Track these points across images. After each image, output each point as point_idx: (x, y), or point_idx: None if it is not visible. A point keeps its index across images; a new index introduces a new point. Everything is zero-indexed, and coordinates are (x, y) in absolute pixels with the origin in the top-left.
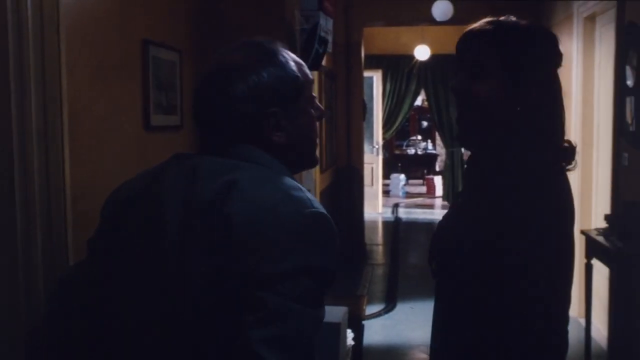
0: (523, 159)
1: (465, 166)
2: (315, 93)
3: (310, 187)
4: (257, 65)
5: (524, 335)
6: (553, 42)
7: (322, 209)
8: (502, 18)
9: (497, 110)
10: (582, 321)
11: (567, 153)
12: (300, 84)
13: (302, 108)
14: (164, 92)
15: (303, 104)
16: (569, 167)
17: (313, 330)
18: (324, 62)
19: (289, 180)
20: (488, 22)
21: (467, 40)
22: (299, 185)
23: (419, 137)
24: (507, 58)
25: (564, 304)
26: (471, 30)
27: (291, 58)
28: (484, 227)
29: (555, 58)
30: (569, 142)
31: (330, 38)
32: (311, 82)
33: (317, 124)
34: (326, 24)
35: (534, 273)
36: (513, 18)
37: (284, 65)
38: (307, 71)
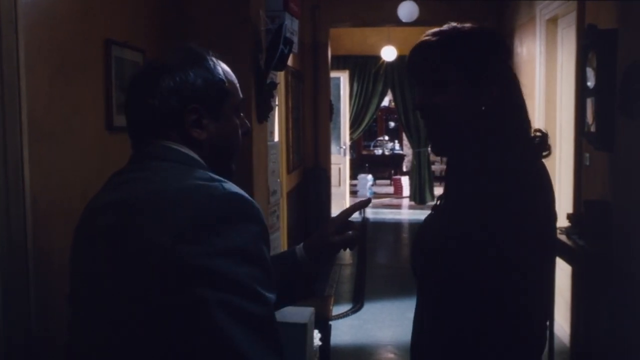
0: (501, 156)
1: (445, 168)
2: (281, 94)
3: (276, 188)
4: (184, 64)
5: (504, 331)
6: (498, 39)
7: (235, 190)
8: (444, 27)
9: (464, 116)
10: None
11: (541, 141)
12: (225, 89)
13: (225, 114)
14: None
15: (227, 110)
16: (545, 153)
17: (262, 312)
18: (290, 63)
19: (202, 173)
20: (433, 34)
21: (418, 56)
22: (212, 176)
23: (386, 138)
24: (460, 64)
25: (545, 302)
26: (419, 46)
27: (220, 65)
28: (467, 226)
29: (504, 53)
30: (539, 130)
31: (295, 38)
32: (239, 95)
33: (243, 139)
34: (292, 25)
35: (515, 269)
36: (454, 24)
37: (210, 69)
38: (236, 83)
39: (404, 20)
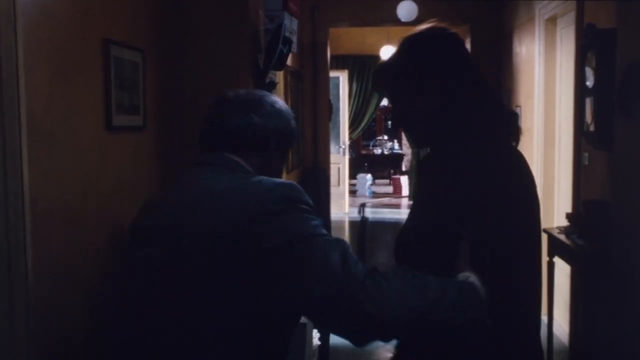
0: (469, 150)
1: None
2: (281, 93)
3: None
4: (282, 110)
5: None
6: (449, 38)
7: (282, 181)
8: (399, 48)
9: (437, 120)
10: (545, 318)
11: (510, 125)
12: (294, 139)
13: (284, 154)
14: (126, 92)
15: (285, 153)
16: (515, 135)
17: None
18: (289, 62)
19: (257, 177)
20: (392, 57)
21: (382, 79)
22: (265, 178)
23: (385, 137)
24: (402, 78)
25: (535, 291)
26: (381, 69)
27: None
28: (440, 214)
29: (458, 49)
30: (511, 111)
31: (294, 38)
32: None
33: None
34: (291, 24)
35: (494, 257)
36: (413, 32)
37: (291, 126)
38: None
39: (403, 20)
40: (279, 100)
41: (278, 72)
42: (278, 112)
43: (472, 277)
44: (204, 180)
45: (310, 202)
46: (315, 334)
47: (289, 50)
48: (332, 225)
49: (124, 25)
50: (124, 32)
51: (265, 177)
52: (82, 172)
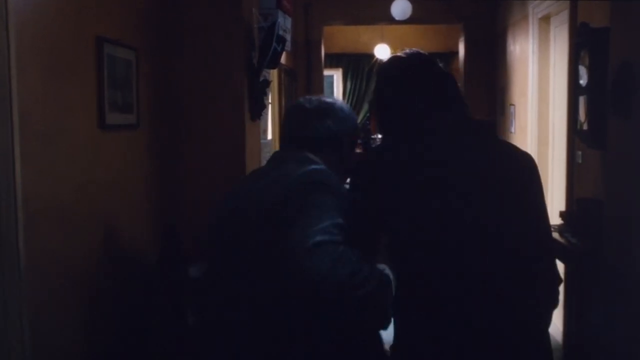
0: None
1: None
2: (275, 92)
3: None
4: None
5: None
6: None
7: (322, 170)
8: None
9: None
10: None
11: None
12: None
13: (353, 148)
14: (120, 90)
15: (354, 146)
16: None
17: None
18: (283, 61)
19: (317, 164)
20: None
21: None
22: (322, 167)
23: (380, 135)
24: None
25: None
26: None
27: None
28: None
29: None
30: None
31: (288, 36)
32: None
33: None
34: (284, 22)
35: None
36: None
37: (357, 125)
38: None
39: (397, 18)
40: (343, 104)
41: (272, 71)
42: (347, 116)
43: (387, 270)
44: (272, 171)
45: (337, 184)
46: None
47: (283, 49)
48: None
49: (117, 24)
50: (117, 30)
51: (312, 166)
52: (75, 171)
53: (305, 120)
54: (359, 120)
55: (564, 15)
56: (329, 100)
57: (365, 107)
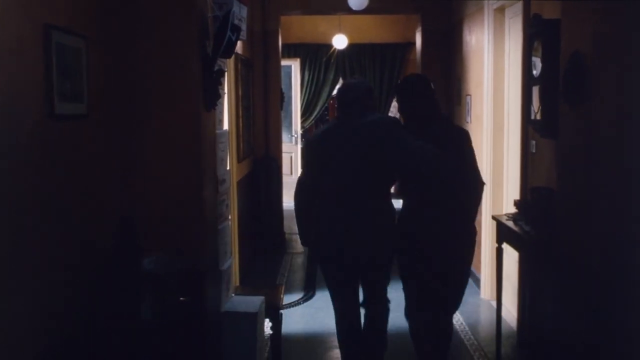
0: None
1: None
2: (231, 82)
3: (225, 176)
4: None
5: None
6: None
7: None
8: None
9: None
10: (494, 303)
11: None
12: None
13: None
14: (69, 79)
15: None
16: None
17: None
18: (240, 50)
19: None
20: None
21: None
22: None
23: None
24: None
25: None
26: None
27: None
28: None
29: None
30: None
31: (244, 26)
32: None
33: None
34: (240, 11)
35: None
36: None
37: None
38: None
39: (354, 9)
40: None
41: (228, 60)
42: (371, 88)
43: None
44: (355, 118)
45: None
46: (267, 324)
47: (238, 38)
48: (284, 214)
49: (67, 11)
50: (67, 18)
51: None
52: (24, 161)
53: (356, 92)
54: (317, 111)
55: (518, 7)
56: (362, 79)
57: (323, 97)
